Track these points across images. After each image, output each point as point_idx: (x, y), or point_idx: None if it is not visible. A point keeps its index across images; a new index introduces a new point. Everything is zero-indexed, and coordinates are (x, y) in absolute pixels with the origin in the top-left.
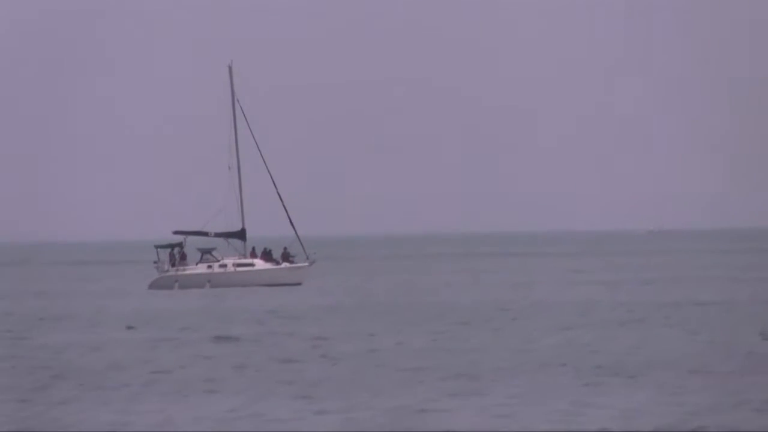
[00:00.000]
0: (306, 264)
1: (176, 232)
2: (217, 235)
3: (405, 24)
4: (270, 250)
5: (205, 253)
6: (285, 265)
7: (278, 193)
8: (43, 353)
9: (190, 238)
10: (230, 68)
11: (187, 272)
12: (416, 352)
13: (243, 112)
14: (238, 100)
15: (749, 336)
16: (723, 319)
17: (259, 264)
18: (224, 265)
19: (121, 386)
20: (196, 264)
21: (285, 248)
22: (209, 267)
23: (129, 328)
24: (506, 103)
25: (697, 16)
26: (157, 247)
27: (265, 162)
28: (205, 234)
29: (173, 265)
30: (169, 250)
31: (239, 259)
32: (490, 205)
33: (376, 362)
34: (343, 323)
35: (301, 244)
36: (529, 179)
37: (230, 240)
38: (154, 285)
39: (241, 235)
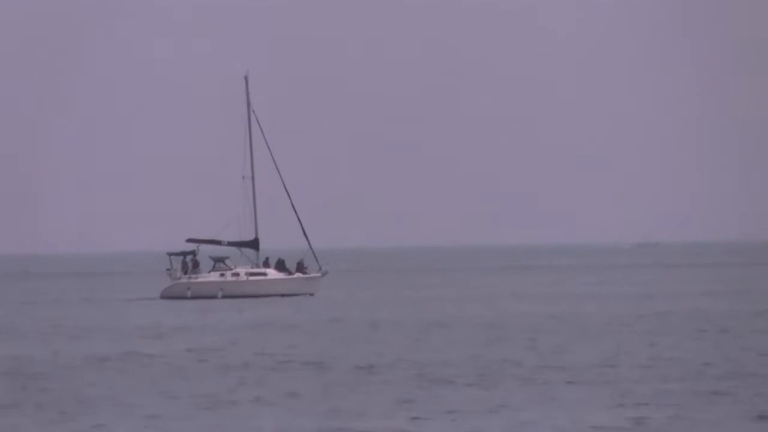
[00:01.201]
0: (318, 275)
1: (189, 240)
2: (230, 243)
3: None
4: (283, 261)
5: (218, 262)
6: (298, 275)
7: (292, 204)
8: None
9: (203, 246)
10: (246, 78)
11: (200, 280)
12: (368, 365)
13: (258, 122)
14: (253, 111)
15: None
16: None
17: (272, 274)
18: (237, 274)
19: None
20: (209, 272)
21: (301, 260)
22: (222, 275)
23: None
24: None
25: (704, 19)
26: (169, 254)
27: (279, 172)
28: (219, 243)
29: (185, 272)
30: (181, 257)
31: (252, 268)
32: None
33: (326, 374)
34: (322, 337)
35: (314, 254)
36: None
37: (243, 249)
38: (166, 292)
39: (254, 244)
